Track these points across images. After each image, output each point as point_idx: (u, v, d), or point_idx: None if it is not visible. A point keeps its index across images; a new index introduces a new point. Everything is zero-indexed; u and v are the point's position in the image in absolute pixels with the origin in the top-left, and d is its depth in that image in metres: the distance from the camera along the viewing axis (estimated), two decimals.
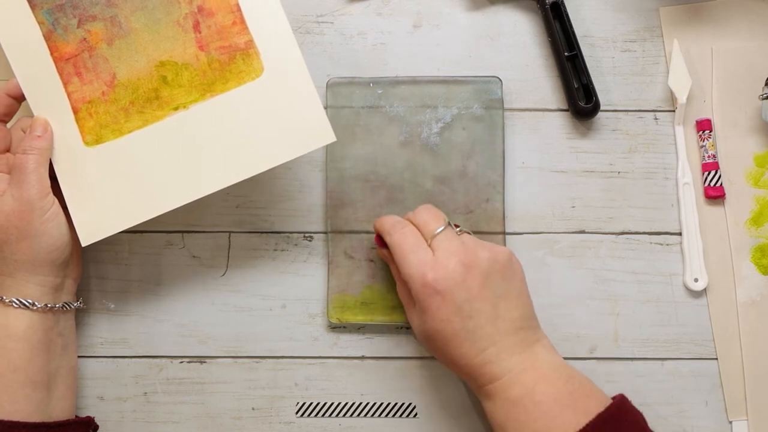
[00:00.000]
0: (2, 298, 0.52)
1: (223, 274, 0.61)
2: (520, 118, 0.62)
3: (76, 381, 0.57)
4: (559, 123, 0.62)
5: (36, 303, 0.52)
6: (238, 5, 0.54)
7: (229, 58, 0.54)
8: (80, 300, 0.58)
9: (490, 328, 0.49)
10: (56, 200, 0.53)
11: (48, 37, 0.54)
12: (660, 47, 0.63)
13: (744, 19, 0.63)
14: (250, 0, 0.54)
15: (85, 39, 0.54)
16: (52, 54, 0.54)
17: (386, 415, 0.60)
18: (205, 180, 0.53)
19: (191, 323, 0.60)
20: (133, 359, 0.60)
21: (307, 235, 0.61)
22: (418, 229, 0.53)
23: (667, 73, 0.62)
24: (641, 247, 0.61)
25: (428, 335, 0.51)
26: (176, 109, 0.54)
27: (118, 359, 0.60)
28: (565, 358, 0.60)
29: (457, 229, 0.53)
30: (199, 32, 0.54)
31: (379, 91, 0.61)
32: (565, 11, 0.61)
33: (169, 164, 0.54)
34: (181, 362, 0.60)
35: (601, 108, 0.61)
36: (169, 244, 0.61)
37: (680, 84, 0.61)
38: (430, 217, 0.53)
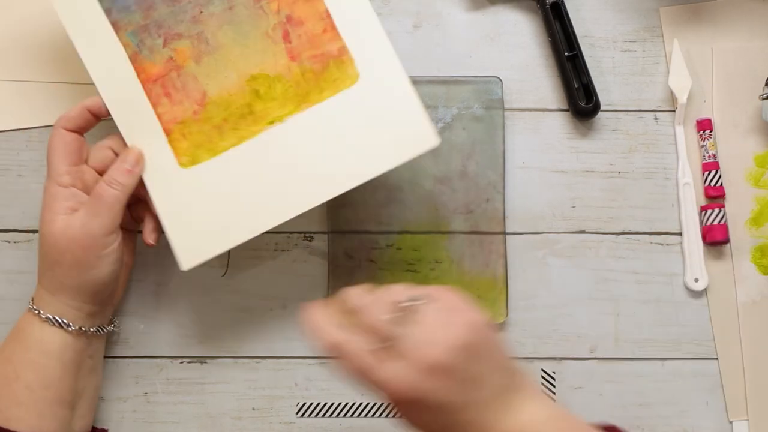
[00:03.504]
0: (40, 312, 0.51)
1: (224, 275, 0.61)
2: (521, 118, 0.62)
3: (97, 400, 0.57)
4: (559, 123, 0.62)
5: (71, 325, 0.52)
6: (327, 12, 0.52)
7: (322, 67, 0.52)
8: (114, 323, 0.57)
9: (473, 414, 0.43)
10: (120, 235, 0.52)
11: (134, 59, 0.52)
12: (660, 47, 0.63)
13: (744, 19, 0.63)
14: (340, 5, 0.52)
15: (171, 58, 0.52)
16: (139, 76, 0.52)
17: (386, 415, 0.60)
18: (305, 194, 0.51)
19: (191, 323, 0.60)
20: (133, 359, 0.60)
21: (307, 235, 0.61)
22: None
23: (668, 73, 0.62)
24: (641, 247, 0.61)
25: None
26: (272, 123, 0.52)
27: (118, 359, 0.60)
28: (565, 359, 0.60)
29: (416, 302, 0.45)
30: (290, 42, 0.52)
31: None
32: (565, 11, 0.61)
33: (267, 180, 0.52)
34: (181, 362, 0.60)
35: (602, 108, 0.61)
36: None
37: (680, 84, 0.61)
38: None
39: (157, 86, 0.52)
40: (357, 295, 0.45)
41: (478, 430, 0.44)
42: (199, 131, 0.52)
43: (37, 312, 0.52)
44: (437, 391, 0.42)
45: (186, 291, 0.61)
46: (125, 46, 0.52)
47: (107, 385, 0.60)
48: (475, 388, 0.43)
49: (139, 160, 0.52)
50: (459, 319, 0.43)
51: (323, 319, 0.45)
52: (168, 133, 0.52)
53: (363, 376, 0.43)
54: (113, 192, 0.50)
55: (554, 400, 0.50)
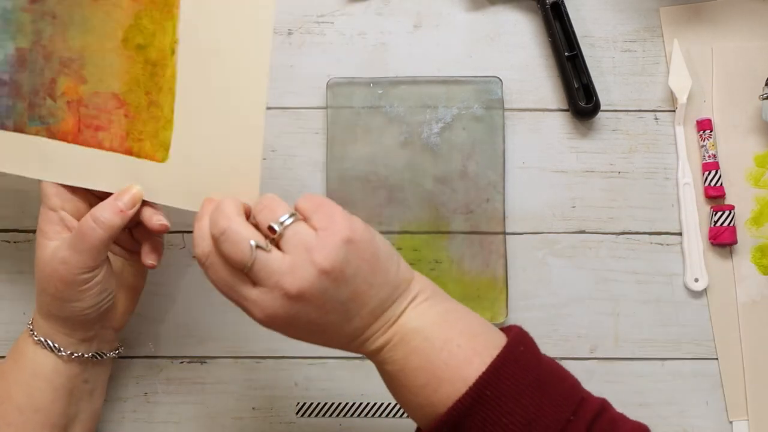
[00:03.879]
0: (33, 333, 0.51)
1: None
2: (521, 118, 0.62)
3: (95, 423, 0.56)
4: (559, 123, 0.62)
5: (61, 350, 0.50)
6: None
7: None
8: (119, 349, 0.56)
9: (348, 329, 0.43)
10: (104, 269, 0.49)
11: (51, 134, 0.50)
12: (660, 47, 0.63)
13: (744, 19, 0.63)
14: None
15: (69, 101, 0.50)
16: (67, 140, 0.50)
17: (386, 415, 0.60)
18: (259, 65, 0.48)
19: (191, 323, 0.60)
20: (133, 359, 0.60)
21: None
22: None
23: (668, 73, 0.62)
24: (641, 247, 0.61)
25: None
26: (173, 51, 0.49)
27: (119, 359, 0.60)
28: (565, 359, 0.60)
29: (289, 220, 0.42)
30: None
31: (380, 92, 0.61)
32: (565, 11, 0.61)
33: (229, 86, 0.48)
34: (182, 362, 0.60)
35: (602, 108, 0.61)
36: (169, 244, 0.61)
37: (680, 84, 0.61)
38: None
39: (84, 132, 0.50)
40: (225, 216, 0.43)
41: (360, 344, 0.44)
42: (144, 122, 0.50)
43: (32, 332, 0.51)
44: (302, 315, 0.42)
45: (186, 291, 0.60)
46: (37, 133, 0.50)
47: (107, 385, 0.60)
48: (349, 308, 0.42)
49: (136, 201, 0.49)
50: (326, 242, 0.41)
51: (206, 227, 0.44)
52: (129, 152, 0.50)
53: (226, 295, 0.43)
54: (98, 233, 0.47)
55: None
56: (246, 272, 0.42)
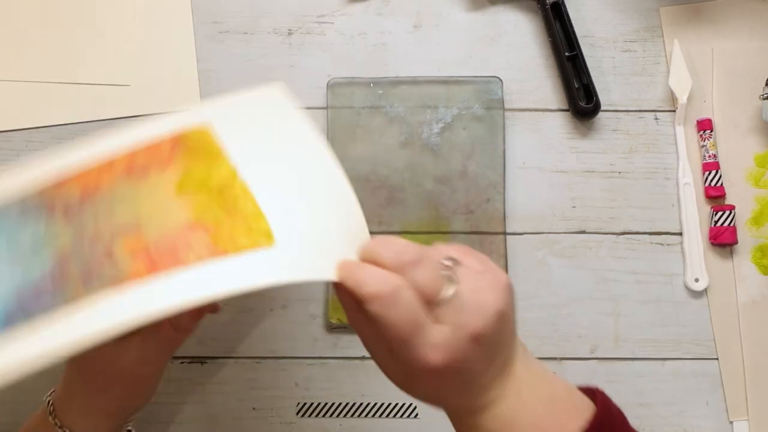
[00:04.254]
0: (60, 427, 0.47)
1: None
2: (521, 118, 0.62)
3: None
4: (559, 123, 0.62)
5: None
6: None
7: (181, 137, 0.48)
8: (139, 410, 0.52)
9: (485, 379, 0.41)
10: (160, 371, 0.50)
11: (117, 282, 0.41)
12: (660, 47, 0.63)
13: (744, 19, 0.63)
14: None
15: (133, 251, 0.42)
16: (141, 277, 0.42)
17: (387, 416, 0.60)
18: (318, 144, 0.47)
19: None
20: None
21: None
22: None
23: (668, 73, 0.62)
24: (642, 247, 0.61)
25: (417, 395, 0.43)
26: (234, 174, 0.46)
27: None
28: (565, 359, 0.60)
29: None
30: (148, 175, 0.46)
31: (380, 92, 0.61)
32: (566, 11, 0.61)
33: (303, 167, 0.47)
34: (182, 362, 0.60)
35: (602, 108, 0.61)
36: None
37: (681, 84, 0.61)
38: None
39: (159, 263, 0.42)
40: (408, 244, 0.39)
41: (478, 396, 0.41)
42: (231, 227, 0.44)
43: (57, 426, 0.47)
44: (470, 360, 0.39)
45: None
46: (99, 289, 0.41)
47: None
48: (493, 354, 0.40)
49: (215, 307, 0.50)
50: (493, 285, 0.40)
51: (375, 269, 0.39)
52: (224, 253, 0.42)
53: (404, 336, 0.38)
54: (180, 338, 0.49)
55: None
56: (435, 306, 0.38)
